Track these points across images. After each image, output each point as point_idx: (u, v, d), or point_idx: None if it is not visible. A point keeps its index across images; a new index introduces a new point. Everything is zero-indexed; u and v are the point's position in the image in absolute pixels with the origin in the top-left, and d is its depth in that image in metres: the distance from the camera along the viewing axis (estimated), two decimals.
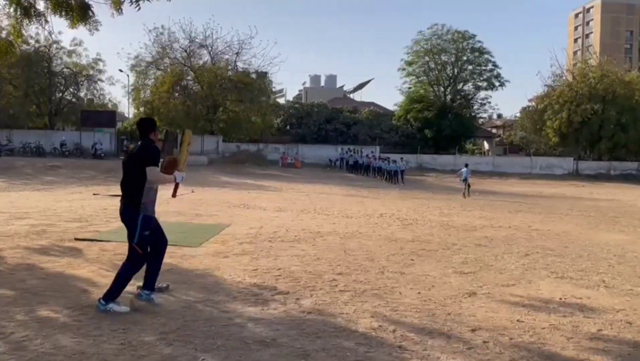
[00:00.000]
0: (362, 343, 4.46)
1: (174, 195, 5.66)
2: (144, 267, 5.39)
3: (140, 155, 5.11)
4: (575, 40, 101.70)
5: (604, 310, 5.72)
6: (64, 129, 46.22)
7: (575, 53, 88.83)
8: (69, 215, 11.91)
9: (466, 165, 24.55)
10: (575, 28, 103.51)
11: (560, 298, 6.15)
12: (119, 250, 7.94)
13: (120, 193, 5.33)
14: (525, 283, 6.91)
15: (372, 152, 40.65)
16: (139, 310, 5.10)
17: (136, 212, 5.11)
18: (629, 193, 29.17)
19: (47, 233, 9.31)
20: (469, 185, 23.06)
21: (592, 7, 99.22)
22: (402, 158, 33.91)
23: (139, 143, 5.29)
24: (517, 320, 5.24)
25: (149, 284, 5.44)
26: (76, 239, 8.81)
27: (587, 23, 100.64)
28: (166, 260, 7.19)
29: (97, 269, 6.78)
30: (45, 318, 4.81)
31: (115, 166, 31.21)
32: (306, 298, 5.76)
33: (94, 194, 17.69)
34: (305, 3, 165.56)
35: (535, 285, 6.82)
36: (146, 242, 5.21)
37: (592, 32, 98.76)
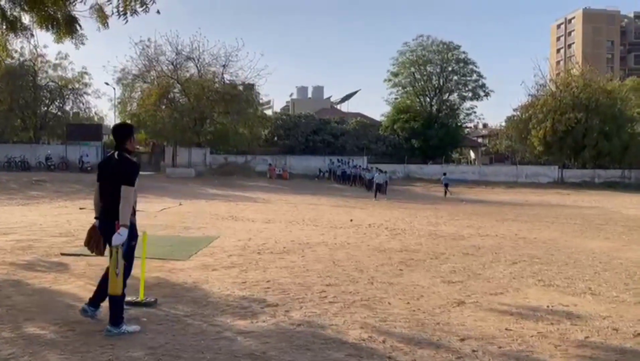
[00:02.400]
0: (352, 354, 4.46)
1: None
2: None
3: (119, 172, 4.85)
4: (558, 51, 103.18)
5: (590, 317, 5.77)
6: (49, 143, 45.88)
7: (558, 63, 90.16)
8: (55, 230, 11.78)
9: (444, 174, 32.00)
10: (558, 38, 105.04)
11: (548, 306, 6.20)
12: (106, 264, 7.86)
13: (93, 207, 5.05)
14: (512, 291, 6.96)
15: (350, 160, 40.87)
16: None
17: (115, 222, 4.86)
18: (613, 200, 29.51)
19: (32, 249, 9.20)
20: (448, 190, 30.15)
21: (574, 17, 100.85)
22: (385, 171, 33.65)
23: (116, 154, 4.97)
24: (506, 329, 5.28)
25: (97, 302, 5.16)
26: (62, 254, 8.72)
27: (569, 33, 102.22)
28: (154, 273, 7.19)
29: (84, 284, 6.70)
30: (32, 335, 4.75)
31: None
32: (296, 310, 5.75)
33: (80, 208, 17.51)
34: (292, 15, 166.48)
35: (522, 293, 6.87)
36: (133, 252, 5.09)
37: (574, 42, 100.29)
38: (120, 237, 4.75)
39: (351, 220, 15.39)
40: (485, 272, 8.15)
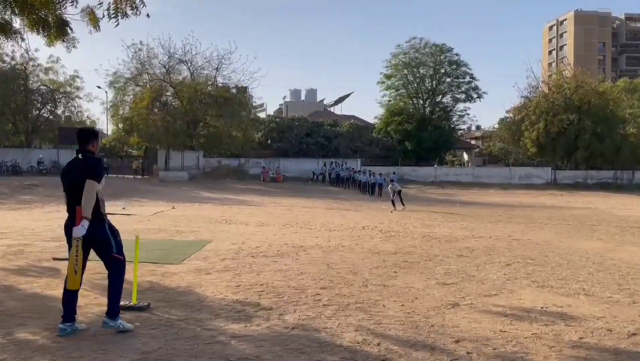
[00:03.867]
0: (347, 357, 4.44)
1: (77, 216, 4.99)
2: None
3: (84, 168, 4.91)
4: (550, 52, 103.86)
5: (584, 318, 5.78)
6: (41, 147, 45.64)
7: (550, 65, 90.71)
8: (47, 234, 11.69)
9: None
10: (550, 40, 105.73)
11: (542, 307, 6.21)
12: (98, 268, 7.80)
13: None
14: (507, 292, 6.96)
15: (344, 163, 40.89)
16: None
17: (101, 223, 4.97)
18: (606, 201, 29.67)
19: (24, 254, 9.14)
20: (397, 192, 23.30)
21: (566, 19, 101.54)
22: (380, 174, 33.62)
23: (80, 156, 5.05)
24: (500, 330, 5.28)
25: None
26: (54, 259, 8.65)
27: (561, 35, 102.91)
28: (147, 278, 7.15)
29: None
30: (24, 341, 4.71)
31: None
32: (290, 314, 5.73)
33: None
34: (285, 18, 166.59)
35: (516, 294, 6.88)
36: (122, 247, 5.11)
37: (565, 44, 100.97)
38: (81, 228, 4.77)
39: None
40: (479, 274, 8.16)
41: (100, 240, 5.01)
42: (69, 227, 5.07)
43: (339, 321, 5.49)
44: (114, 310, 4.98)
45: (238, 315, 5.65)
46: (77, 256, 4.83)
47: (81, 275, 4.92)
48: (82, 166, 4.96)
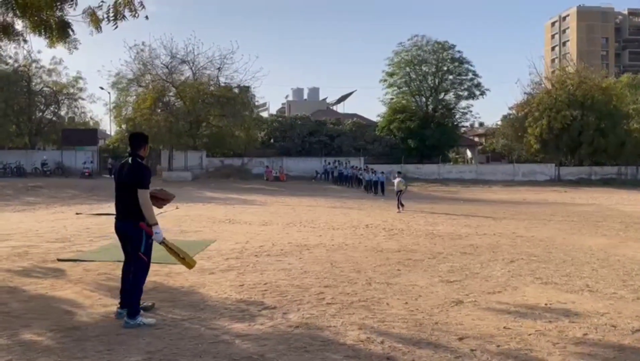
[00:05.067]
0: (351, 355, 4.45)
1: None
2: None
3: (133, 176, 5.25)
4: (553, 48, 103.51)
5: (588, 315, 5.77)
6: (44, 148, 45.75)
7: (553, 61, 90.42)
8: (51, 236, 11.74)
9: (398, 172, 25.38)
10: (552, 36, 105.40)
11: (546, 304, 6.20)
12: (103, 269, 7.86)
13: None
14: (510, 290, 6.96)
15: (347, 162, 40.84)
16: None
17: (137, 223, 5.24)
18: (610, 197, 29.58)
19: (29, 255, 9.16)
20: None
21: (568, 15, 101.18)
22: (382, 172, 33.51)
23: (130, 160, 5.39)
24: (504, 327, 5.27)
25: (127, 303, 5.46)
26: (59, 260, 8.68)
27: (564, 31, 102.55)
28: (151, 278, 7.14)
29: (81, 290, 6.68)
30: (29, 342, 4.73)
31: (98, 184, 30.93)
32: (293, 313, 5.74)
33: (77, 213, 17.47)
34: (287, 17, 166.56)
35: (520, 291, 6.87)
36: (151, 250, 5.39)
37: (568, 40, 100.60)
38: (158, 235, 5.21)
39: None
40: (483, 271, 8.15)
41: (131, 235, 5.31)
42: (117, 227, 5.45)
43: (342, 319, 5.49)
44: (133, 309, 5.16)
45: (242, 314, 5.66)
46: (172, 249, 5.34)
47: (188, 255, 5.53)
48: (130, 170, 5.32)
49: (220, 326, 5.23)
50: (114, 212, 5.49)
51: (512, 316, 5.67)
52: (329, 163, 41.68)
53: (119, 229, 5.42)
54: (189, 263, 5.48)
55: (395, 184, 21.26)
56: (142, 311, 5.26)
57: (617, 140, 44.10)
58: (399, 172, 24.20)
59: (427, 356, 4.45)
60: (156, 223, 5.21)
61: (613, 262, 9.08)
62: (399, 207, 19.88)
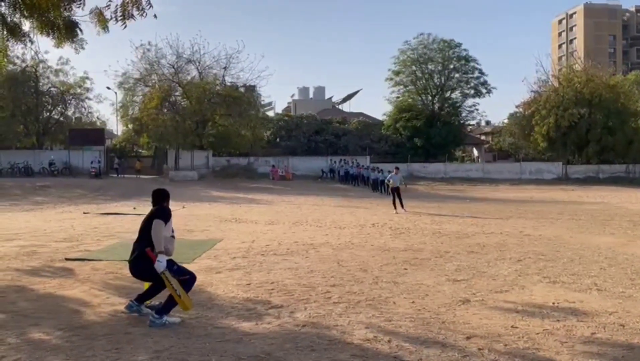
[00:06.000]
0: (358, 354, 4.45)
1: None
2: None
3: (155, 213, 5.32)
4: (560, 46, 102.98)
5: (596, 313, 5.74)
6: (52, 148, 45.96)
7: (560, 58, 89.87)
8: (59, 235, 11.81)
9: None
10: (559, 34, 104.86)
11: (553, 303, 6.18)
12: (111, 268, 7.90)
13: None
14: (518, 288, 6.93)
15: (354, 160, 40.76)
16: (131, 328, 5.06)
17: (150, 261, 5.21)
18: (618, 195, 29.40)
19: (37, 254, 9.22)
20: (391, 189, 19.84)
21: (575, 12, 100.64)
22: (389, 171, 33.31)
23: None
24: (511, 326, 5.26)
25: (143, 298, 5.55)
26: (67, 259, 8.73)
27: (571, 29, 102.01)
28: None
29: (89, 289, 6.72)
30: (37, 341, 4.76)
31: (106, 184, 31.07)
32: (300, 311, 5.74)
33: (84, 213, 17.55)
34: (292, 16, 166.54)
35: (528, 290, 6.84)
36: (182, 269, 5.40)
37: (575, 38, 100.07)
38: (160, 263, 5.11)
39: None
40: (490, 270, 8.13)
41: (152, 273, 5.26)
42: (140, 266, 5.42)
43: (349, 318, 5.49)
44: (163, 308, 5.23)
45: (249, 313, 5.67)
46: (171, 285, 5.16)
47: (185, 295, 5.26)
48: (154, 212, 5.39)
49: (228, 325, 5.24)
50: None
51: (520, 316, 5.65)
52: (335, 162, 41.63)
53: (135, 268, 5.44)
54: (185, 303, 5.23)
55: (392, 181, 19.56)
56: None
57: (625, 138, 43.82)
58: (397, 167, 22.03)
59: (434, 355, 4.44)
60: (162, 252, 5.16)
61: (621, 261, 9.03)
62: (396, 207, 18.45)
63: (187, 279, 5.35)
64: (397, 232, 12.87)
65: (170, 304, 5.23)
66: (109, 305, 5.90)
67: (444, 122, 50.34)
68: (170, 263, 5.32)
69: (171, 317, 5.26)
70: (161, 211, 5.35)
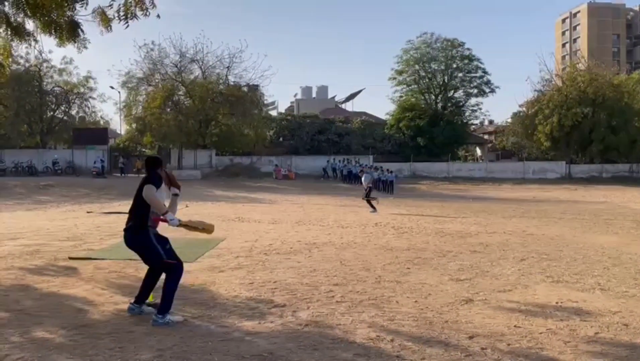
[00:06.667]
0: (360, 353, 4.45)
1: (155, 222, 5.44)
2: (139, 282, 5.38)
3: (145, 180, 5.28)
4: (563, 45, 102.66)
5: (600, 313, 5.73)
6: (56, 148, 46.09)
7: (563, 58, 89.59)
8: (63, 234, 11.84)
9: (375, 168, 21.99)
10: (563, 33, 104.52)
11: (557, 303, 6.16)
12: (114, 267, 7.91)
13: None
14: (521, 288, 6.92)
15: (356, 160, 40.74)
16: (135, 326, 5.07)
17: (145, 233, 5.25)
18: (622, 195, 29.32)
19: (40, 253, 9.25)
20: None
21: (579, 11, 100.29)
22: (388, 169, 33.42)
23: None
24: (514, 326, 5.25)
25: (141, 299, 5.53)
26: (70, 258, 8.75)
27: (574, 28, 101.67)
28: (162, 276, 7.18)
29: (92, 288, 6.73)
30: (41, 339, 4.77)
31: (109, 183, 31.12)
32: (303, 311, 5.74)
33: (88, 212, 17.60)
34: (295, 15, 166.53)
35: (531, 290, 6.83)
36: (172, 252, 5.41)
37: (579, 37, 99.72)
38: (173, 221, 5.24)
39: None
40: (493, 269, 8.12)
41: (143, 247, 5.31)
42: (132, 240, 5.41)
43: (352, 317, 5.49)
44: (164, 307, 5.20)
45: (252, 312, 5.67)
46: (190, 226, 5.49)
47: (204, 223, 5.68)
48: (145, 179, 5.38)
49: (230, 324, 5.25)
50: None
51: (523, 315, 5.64)
52: (339, 161, 41.58)
53: (127, 240, 5.38)
54: (208, 230, 5.65)
55: (364, 181, 19.67)
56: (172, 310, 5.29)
57: (628, 138, 43.71)
58: (369, 166, 21.49)
59: (437, 354, 4.44)
60: (167, 212, 5.22)
61: (625, 260, 9.01)
62: (372, 206, 18.29)
63: (174, 264, 5.33)
64: (400, 231, 12.86)
65: (169, 301, 5.21)
66: (112, 304, 5.92)
67: (447, 121, 50.29)
68: (164, 242, 5.36)
69: (174, 315, 5.26)
70: (151, 176, 5.27)
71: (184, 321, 5.27)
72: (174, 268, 5.33)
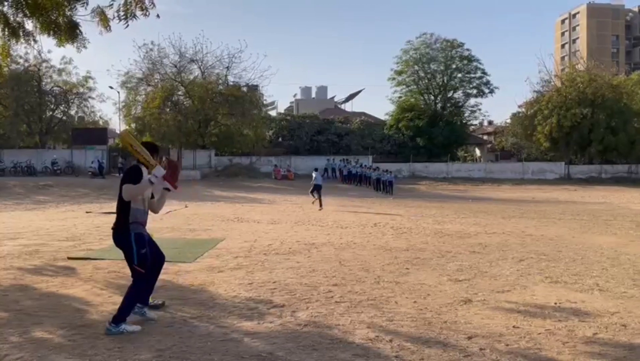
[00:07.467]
0: (359, 354, 4.45)
1: (173, 187, 5.17)
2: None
3: (124, 177, 5.13)
4: (562, 46, 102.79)
5: (598, 314, 5.74)
6: (55, 148, 46.05)
7: (562, 58, 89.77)
8: (62, 234, 11.84)
9: (316, 170, 22.70)
10: (562, 34, 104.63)
11: (555, 303, 6.17)
12: (113, 267, 7.91)
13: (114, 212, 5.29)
14: (520, 288, 6.93)
15: (356, 160, 40.70)
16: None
17: (126, 232, 5.06)
18: (621, 195, 29.35)
19: (40, 253, 9.25)
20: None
21: (578, 12, 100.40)
22: (390, 172, 33.48)
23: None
24: (513, 326, 5.25)
25: (143, 299, 5.44)
26: (69, 258, 8.76)
27: (574, 28, 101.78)
28: (160, 276, 7.14)
29: (91, 288, 6.74)
30: (40, 339, 4.77)
31: (108, 183, 31.10)
32: (302, 311, 5.75)
33: (87, 212, 17.59)
34: (294, 15, 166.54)
35: (530, 290, 6.84)
36: (146, 260, 5.15)
37: (578, 37, 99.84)
38: (156, 177, 4.95)
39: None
40: (492, 270, 8.12)
41: (123, 246, 5.13)
42: (115, 238, 5.25)
43: (351, 318, 5.49)
44: (119, 316, 4.93)
45: (251, 312, 5.68)
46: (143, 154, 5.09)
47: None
48: (124, 175, 5.21)
49: (229, 324, 5.25)
50: None
51: (522, 315, 5.64)
52: (340, 161, 41.50)
53: (113, 238, 5.23)
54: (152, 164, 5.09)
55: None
56: (127, 321, 5.02)
57: (627, 138, 43.74)
58: (315, 169, 23.59)
59: (435, 355, 4.45)
60: (146, 183, 4.97)
61: (623, 261, 9.02)
62: (320, 205, 19.71)
63: (141, 273, 5.09)
64: (399, 231, 12.87)
65: (126, 309, 4.97)
66: (111, 304, 5.91)
67: (447, 121, 50.33)
68: (142, 245, 5.11)
69: (130, 325, 4.98)
70: (128, 173, 5.09)
71: (141, 330, 5.01)
72: (141, 277, 5.11)
